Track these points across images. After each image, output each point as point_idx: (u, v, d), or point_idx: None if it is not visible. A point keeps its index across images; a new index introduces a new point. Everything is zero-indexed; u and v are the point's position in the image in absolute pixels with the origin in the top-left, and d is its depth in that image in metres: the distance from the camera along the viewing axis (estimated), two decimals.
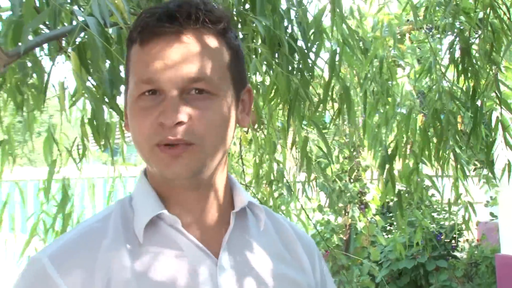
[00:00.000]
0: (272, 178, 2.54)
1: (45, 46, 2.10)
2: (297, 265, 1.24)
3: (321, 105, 2.28)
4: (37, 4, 1.93)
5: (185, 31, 1.07)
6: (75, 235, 1.13)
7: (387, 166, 2.49)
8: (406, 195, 2.93)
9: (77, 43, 1.82)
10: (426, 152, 2.57)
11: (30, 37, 1.82)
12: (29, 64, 2.12)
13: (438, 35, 2.58)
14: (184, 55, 1.07)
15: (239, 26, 2.18)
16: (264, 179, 2.52)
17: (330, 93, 2.28)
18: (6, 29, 1.97)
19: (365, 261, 5.89)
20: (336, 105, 2.40)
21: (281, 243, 1.24)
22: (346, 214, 6.01)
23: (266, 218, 1.21)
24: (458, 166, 2.57)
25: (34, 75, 2.08)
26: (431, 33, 2.75)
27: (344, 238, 6.00)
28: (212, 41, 1.10)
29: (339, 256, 5.48)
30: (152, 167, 1.11)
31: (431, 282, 8.09)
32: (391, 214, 8.23)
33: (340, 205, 5.96)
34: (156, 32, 1.07)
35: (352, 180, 5.73)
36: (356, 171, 5.78)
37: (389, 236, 8.76)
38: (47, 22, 2.05)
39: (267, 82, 2.32)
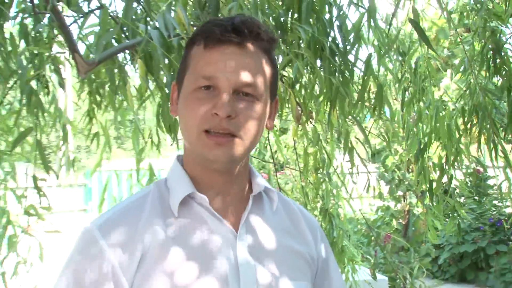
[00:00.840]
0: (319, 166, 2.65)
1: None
2: (301, 239, 1.33)
3: (359, 102, 2.37)
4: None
5: (245, 43, 1.18)
6: (119, 210, 1.24)
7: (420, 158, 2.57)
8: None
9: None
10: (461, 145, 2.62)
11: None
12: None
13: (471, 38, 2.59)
14: (242, 63, 1.18)
15: (287, 33, 2.32)
16: (312, 167, 2.62)
17: (367, 92, 2.36)
18: (95, 42, 2.18)
19: (427, 244, 5.86)
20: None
21: (289, 221, 1.33)
22: (405, 200, 6.01)
23: (278, 201, 1.31)
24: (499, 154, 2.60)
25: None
26: (465, 36, 2.75)
27: (403, 223, 5.99)
28: (263, 57, 1.22)
29: (398, 239, 5.50)
30: (195, 150, 1.20)
31: (491, 265, 7.91)
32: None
33: (400, 193, 5.97)
34: (222, 40, 1.17)
35: (410, 170, 5.71)
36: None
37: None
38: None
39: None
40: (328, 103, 2.32)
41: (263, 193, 1.29)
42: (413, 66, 2.55)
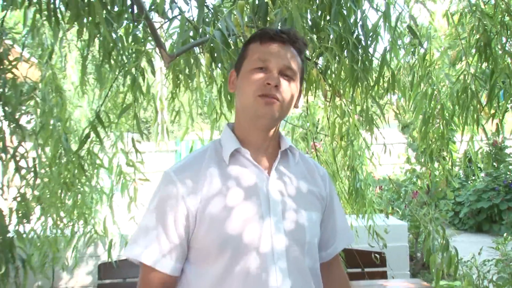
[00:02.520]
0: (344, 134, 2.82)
1: None
2: (314, 183, 1.48)
3: (376, 84, 2.54)
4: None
5: (288, 42, 1.38)
6: (187, 159, 1.42)
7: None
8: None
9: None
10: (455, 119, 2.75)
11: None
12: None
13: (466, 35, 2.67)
14: (285, 54, 1.37)
15: (320, 31, 2.49)
16: (337, 135, 2.79)
17: (381, 77, 2.52)
18: (176, 40, 2.40)
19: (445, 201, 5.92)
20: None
21: (306, 171, 1.49)
22: (428, 164, 6.04)
23: (300, 157, 1.48)
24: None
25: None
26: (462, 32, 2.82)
27: (427, 182, 6.04)
28: (298, 55, 1.41)
29: (422, 195, 5.58)
30: (249, 110, 1.36)
31: (503, 218, 7.95)
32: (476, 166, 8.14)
33: (422, 159, 6.02)
34: (273, 38, 1.37)
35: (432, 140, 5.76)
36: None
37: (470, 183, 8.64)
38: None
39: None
40: (351, 86, 2.51)
41: (288, 151, 1.45)
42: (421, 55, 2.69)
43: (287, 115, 1.45)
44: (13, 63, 2.54)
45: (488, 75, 2.60)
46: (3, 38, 2.48)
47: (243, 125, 1.41)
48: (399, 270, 3.60)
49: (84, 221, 2.81)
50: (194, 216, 1.31)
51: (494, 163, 8.53)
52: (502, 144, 8.61)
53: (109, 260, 3.06)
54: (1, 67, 2.48)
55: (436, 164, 4.32)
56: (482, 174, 8.64)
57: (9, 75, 2.53)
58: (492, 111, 2.64)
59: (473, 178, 8.67)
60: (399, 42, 2.72)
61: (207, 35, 2.15)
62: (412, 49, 2.74)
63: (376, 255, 3.25)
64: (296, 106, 1.48)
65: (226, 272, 1.29)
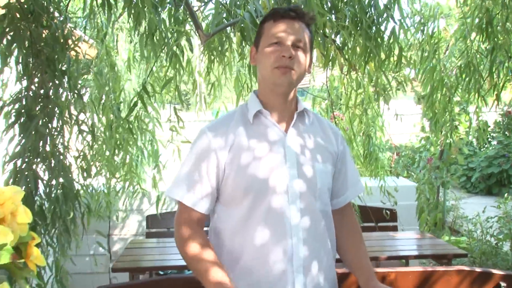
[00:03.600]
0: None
1: None
2: (327, 140, 1.56)
3: (386, 59, 2.61)
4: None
5: (297, 18, 1.45)
6: (219, 119, 1.55)
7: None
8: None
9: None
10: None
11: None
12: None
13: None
14: (295, 29, 1.44)
15: (337, 12, 2.55)
16: (353, 105, 2.88)
17: (392, 53, 2.58)
18: (211, 21, 2.52)
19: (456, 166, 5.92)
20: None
21: (320, 129, 1.57)
22: (441, 132, 6.05)
23: (314, 117, 1.58)
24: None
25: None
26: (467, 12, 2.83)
27: (440, 149, 6.05)
28: (306, 28, 1.48)
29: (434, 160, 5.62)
30: (268, 80, 1.45)
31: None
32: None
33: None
34: (283, 16, 1.44)
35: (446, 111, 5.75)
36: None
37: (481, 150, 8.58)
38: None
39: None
40: (365, 60, 2.58)
41: (305, 112, 1.55)
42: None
43: (301, 81, 1.53)
44: (75, 42, 2.73)
45: (489, 51, 2.63)
46: (67, 22, 2.66)
47: (264, 92, 1.51)
48: (409, 225, 3.69)
49: (131, 178, 3.00)
50: (224, 165, 1.43)
51: (506, 132, 8.41)
52: None
53: (156, 212, 3.26)
54: (66, 46, 2.66)
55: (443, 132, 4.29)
56: (494, 142, 8.53)
57: (72, 53, 2.72)
58: (494, 83, 2.68)
59: (485, 146, 8.58)
60: (410, 21, 2.77)
61: (238, 17, 2.28)
62: (422, 28, 2.76)
63: (387, 211, 3.36)
64: (308, 72, 1.56)
65: (249, 212, 1.42)
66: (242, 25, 2.12)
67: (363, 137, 3.10)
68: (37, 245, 2.56)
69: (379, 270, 1.94)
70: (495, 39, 2.54)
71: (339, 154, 1.58)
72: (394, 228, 3.45)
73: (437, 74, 2.77)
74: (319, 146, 1.53)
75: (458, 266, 2.05)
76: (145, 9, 2.16)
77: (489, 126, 8.71)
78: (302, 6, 2.27)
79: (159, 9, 2.32)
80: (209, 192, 1.45)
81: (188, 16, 2.34)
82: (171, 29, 2.35)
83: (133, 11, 2.08)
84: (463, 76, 2.67)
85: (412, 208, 3.83)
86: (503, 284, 1.93)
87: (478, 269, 1.97)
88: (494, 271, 1.97)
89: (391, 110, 2.98)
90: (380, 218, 3.41)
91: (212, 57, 2.59)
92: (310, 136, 1.53)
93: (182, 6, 2.28)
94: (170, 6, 2.40)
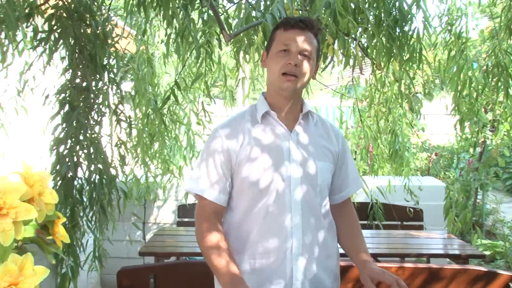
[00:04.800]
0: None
1: None
2: (329, 140, 1.66)
3: (409, 59, 2.64)
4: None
5: (305, 29, 1.56)
6: (231, 119, 1.65)
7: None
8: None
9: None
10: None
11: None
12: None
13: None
14: (303, 39, 1.55)
15: (360, 13, 2.61)
16: (377, 103, 2.93)
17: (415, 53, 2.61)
18: (236, 24, 2.65)
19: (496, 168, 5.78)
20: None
21: (323, 130, 1.67)
22: (481, 133, 5.92)
23: (317, 118, 1.68)
24: None
25: None
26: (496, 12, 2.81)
27: (479, 150, 5.93)
28: (314, 38, 1.58)
29: (472, 161, 5.52)
30: (275, 84, 1.56)
31: None
32: None
33: (477, 129, 5.89)
34: (293, 26, 1.56)
35: (487, 111, 5.61)
36: (491, 104, 5.63)
37: None
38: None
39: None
40: (387, 60, 2.63)
41: (309, 114, 1.66)
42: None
43: (305, 86, 1.65)
44: (115, 39, 2.94)
45: None
46: (109, 20, 2.87)
47: (271, 94, 1.63)
48: (436, 226, 3.69)
49: (165, 167, 3.19)
50: (235, 161, 1.56)
51: None
52: None
53: (187, 202, 3.44)
54: (106, 42, 2.88)
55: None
56: None
57: (112, 49, 2.94)
58: None
59: None
60: (437, 21, 2.78)
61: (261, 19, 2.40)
62: (448, 27, 2.78)
63: (411, 209, 3.38)
64: (313, 78, 1.68)
65: (254, 203, 1.55)
66: (265, 26, 2.20)
67: (389, 136, 3.14)
68: (75, 225, 2.78)
69: (385, 265, 2.01)
70: None
71: (339, 154, 1.69)
72: (420, 228, 3.47)
73: (464, 73, 2.77)
74: (321, 145, 1.64)
75: (466, 265, 2.10)
76: (175, 10, 2.33)
77: None
78: (324, 8, 2.37)
79: (189, 10, 2.49)
80: (225, 186, 1.58)
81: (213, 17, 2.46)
82: (200, 29, 2.51)
83: (162, 11, 2.24)
84: (491, 76, 2.66)
85: (441, 209, 3.80)
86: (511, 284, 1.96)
87: (484, 269, 2.01)
88: (502, 271, 2.00)
89: (431, 110, 3.01)
90: (404, 217, 3.44)
91: (238, 55, 2.71)
92: (313, 135, 1.63)
93: (207, 7, 2.40)
94: (199, 7, 2.55)
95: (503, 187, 8.26)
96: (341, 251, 1.71)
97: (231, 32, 2.35)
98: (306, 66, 1.56)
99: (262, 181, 1.54)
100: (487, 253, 4.65)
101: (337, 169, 1.69)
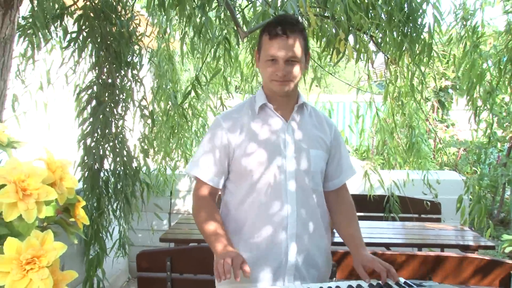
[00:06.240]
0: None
1: None
2: (322, 130, 1.76)
3: (421, 53, 2.71)
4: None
5: (289, 34, 1.60)
6: (232, 109, 1.78)
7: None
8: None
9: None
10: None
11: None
12: None
13: None
14: (288, 46, 1.60)
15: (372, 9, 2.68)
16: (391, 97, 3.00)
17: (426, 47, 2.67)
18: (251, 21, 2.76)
19: None
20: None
21: (316, 121, 1.77)
22: (510, 128, 5.85)
23: (312, 110, 1.78)
24: None
25: None
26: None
27: (507, 146, 5.87)
28: (299, 36, 1.63)
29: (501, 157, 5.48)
30: (268, 86, 1.67)
31: None
32: None
33: (506, 124, 5.81)
34: (277, 34, 1.60)
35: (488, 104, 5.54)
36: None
37: None
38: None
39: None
40: (399, 55, 2.71)
41: (304, 106, 1.75)
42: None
43: (299, 81, 1.73)
44: (139, 37, 3.12)
45: None
46: (132, 19, 3.05)
47: (267, 90, 1.73)
48: (455, 219, 3.72)
49: (185, 160, 3.36)
50: (233, 148, 1.68)
51: None
52: None
53: None
54: (131, 41, 3.06)
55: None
56: None
57: (136, 47, 3.11)
58: None
59: None
60: (452, 16, 2.83)
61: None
62: (462, 22, 2.83)
63: (428, 202, 3.44)
64: (306, 68, 1.77)
65: (253, 187, 1.66)
66: None
67: (406, 129, 3.20)
68: (101, 214, 2.97)
69: (388, 252, 2.11)
70: None
71: (332, 143, 1.78)
72: (437, 220, 3.52)
73: (478, 68, 2.81)
74: (314, 134, 1.74)
75: (470, 254, 2.17)
76: (193, 9, 2.48)
77: None
78: (339, 8, 2.45)
79: (207, 9, 2.63)
80: (222, 170, 1.71)
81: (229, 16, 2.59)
82: (218, 27, 2.64)
83: (179, 9, 2.38)
84: (504, 71, 2.70)
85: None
86: None
87: (487, 258, 2.08)
88: (505, 260, 2.06)
89: (459, 106, 3.05)
90: (422, 210, 3.50)
91: (253, 51, 2.83)
92: (308, 126, 1.74)
93: (223, 5, 2.53)
94: (217, 5, 2.69)
95: None
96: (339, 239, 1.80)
97: (247, 29, 2.46)
98: (295, 70, 1.64)
99: (258, 172, 1.66)
100: (511, 248, 4.64)
101: (330, 157, 1.79)
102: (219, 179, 1.73)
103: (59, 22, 2.82)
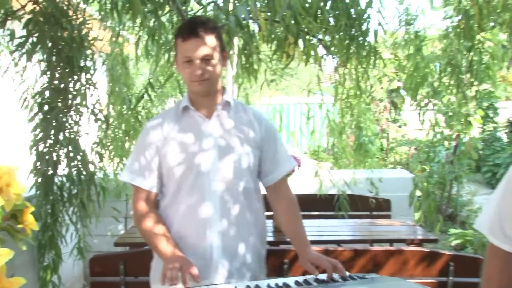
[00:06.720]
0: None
1: None
2: (251, 126, 1.76)
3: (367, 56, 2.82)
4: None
5: (201, 34, 1.62)
6: (161, 114, 1.83)
7: None
8: None
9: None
10: None
11: None
12: None
13: None
14: (202, 45, 1.62)
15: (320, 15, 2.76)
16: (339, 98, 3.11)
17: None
18: None
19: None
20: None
21: (244, 117, 1.77)
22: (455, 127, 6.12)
23: (240, 107, 1.80)
24: None
25: None
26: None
27: (454, 144, 6.13)
28: (212, 35, 1.64)
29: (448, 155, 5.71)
30: (190, 88, 1.70)
31: None
32: None
33: (453, 123, 6.08)
34: (189, 36, 1.61)
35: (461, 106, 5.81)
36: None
37: None
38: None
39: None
40: (346, 58, 2.80)
41: (229, 103, 1.75)
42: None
43: (219, 79, 1.74)
44: (91, 42, 3.08)
45: (468, 49, 2.79)
46: (84, 24, 3.01)
47: (190, 92, 1.76)
48: (405, 216, 3.87)
49: None
50: (161, 152, 1.72)
51: None
52: None
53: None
54: (83, 45, 3.03)
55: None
56: None
57: (88, 51, 3.08)
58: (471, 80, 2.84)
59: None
60: (397, 20, 2.96)
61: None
62: (406, 27, 2.95)
63: (373, 199, 3.56)
64: (224, 65, 1.78)
65: (179, 188, 1.70)
66: (229, 28, 2.36)
67: (355, 129, 3.31)
68: (56, 220, 2.92)
69: (340, 248, 2.18)
70: (472, 38, 2.70)
71: (264, 138, 1.79)
72: (387, 217, 3.65)
73: (421, 70, 2.94)
74: (242, 131, 1.75)
75: (415, 247, 2.27)
76: (144, 14, 2.48)
77: None
78: (284, 11, 2.51)
79: (159, 13, 2.64)
80: (155, 174, 1.73)
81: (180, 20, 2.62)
82: (171, 31, 2.66)
83: (132, 14, 2.39)
84: (443, 73, 2.84)
85: (406, 200, 3.98)
86: (451, 263, 2.13)
87: (427, 249, 2.18)
88: (443, 251, 2.17)
89: (410, 106, 3.16)
90: (374, 207, 3.62)
91: None
92: (233, 123, 1.75)
93: (175, 10, 2.56)
94: (170, 10, 2.71)
95: (483, 180, 8.48)
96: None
97: None
98: (212, 68, 1.66)
99: (182, 173, 1.69)
100: (458, 241, 4.86)
101: (264, 152, 1.79)
102: (155, 183, 1.74)
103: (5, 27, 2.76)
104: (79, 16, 2.97)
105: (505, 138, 8.67)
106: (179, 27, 1.72)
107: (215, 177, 1.69)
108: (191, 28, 1.64)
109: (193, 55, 1.63)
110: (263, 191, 1.86)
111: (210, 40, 1.65)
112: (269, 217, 1.87)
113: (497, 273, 1.31)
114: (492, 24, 2.62)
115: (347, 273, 1.65)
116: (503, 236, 1.26)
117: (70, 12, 2.93)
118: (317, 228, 3.14)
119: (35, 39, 2.87)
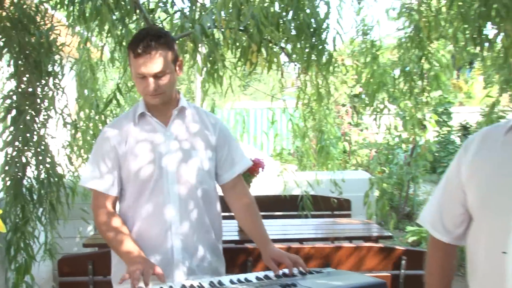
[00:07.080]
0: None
1: None
2: (206, 128, 1.79)
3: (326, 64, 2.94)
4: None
5: (152, 51, 1.61)
6: (117, 119, 1.85)
7: None
8: None
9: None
10: None
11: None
12: None
13: None
14: (153, 61, 1.62)
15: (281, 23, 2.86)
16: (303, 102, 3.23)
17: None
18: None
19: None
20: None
21: (200, 121, 1.80)
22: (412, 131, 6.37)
23: (195, 111, 1.81)
24: None
25: None
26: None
27: (411, 146, 6.38)
28: (164, 48, 1.64)
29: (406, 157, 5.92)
30: (144, 98, 1.73)
31: None
32: None
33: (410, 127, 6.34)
34: (140, 53, 1.61)
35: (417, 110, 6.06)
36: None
37: None
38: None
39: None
40: (307, 66, 2.92)
41: (184, 109, 1.77)
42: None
43: (173, 88, 1.76)
44: (59, 47, 3.09)
45: (419, 58, 2.94)
46: (52, 30, 3.01)
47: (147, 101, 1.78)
48: (364, 215, 4.00)
49: None
50: (120, 156, 1.74)
51: None
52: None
53: None
54: (51, 51, 3.03)
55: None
56: None
57: (57, 57, 3.08)
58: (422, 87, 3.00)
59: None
60: (355, 29, 3.09)
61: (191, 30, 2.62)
62: (363, 36, 3.08)
63: (334, 199, 3.68)
64: (179, 74, 1.79)
65: (138, 192, 1.73)
66: (194, 36, 2.43)
67: (316, 133, 3.42)
68: (26, 222, 2.90)
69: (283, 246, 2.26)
70: (423, 48, 2.86)
71: (218, 139, 1.82)
72: (347, 216, 3.78)
73: (377, 78, 3.08)
74: (198, 134, 1.79)
75: (369, 243, 2.39)
76: (112, 21, 2.53)
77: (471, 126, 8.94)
78: (249, 19, 2.60)
79: (127, 21, 2.68)
80: (115, 178, 1.74)
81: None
82: None
83: (99, 21, 2.42)
84: (397, 80, 2.99)
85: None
86: (404, 257, 2.26)
87: (382, 245, 2.30)
88: (397, 246, 2.30)
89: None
90: (334, 207, 3.74)
91: None
92: (189, 128, 1.78)
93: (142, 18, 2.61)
94: (137, 18, 2.75)
95: (438, 180, 8.77)
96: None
97: None
98: (165, 83, 1.67)
99: (142, 175, 1.71)
100: (414, 238, 5.06)
101: (218, 152, 1.82)
102: (115, 187, 1.76)
103: None
104: (47, 22, 2.98)
105: (458, 141, 9.01)
106: (131, 39, 1.71)
107: (173, 180, 1.72)
108: (143, 44, 1.62)
109: (146, 72, 1.64)
110: (220, 193, 1.90)
111: (162, 55, 1.64)
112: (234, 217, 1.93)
113: (438, 265, 1.43)
114: (439, 36, 2.78)
115: (306, 268, 1.73)
116: (443, 229, 1.38)
117: (38, 18, 2.95)
118: (281, 227, 3.24)
119: (1, 44, 2.87)
